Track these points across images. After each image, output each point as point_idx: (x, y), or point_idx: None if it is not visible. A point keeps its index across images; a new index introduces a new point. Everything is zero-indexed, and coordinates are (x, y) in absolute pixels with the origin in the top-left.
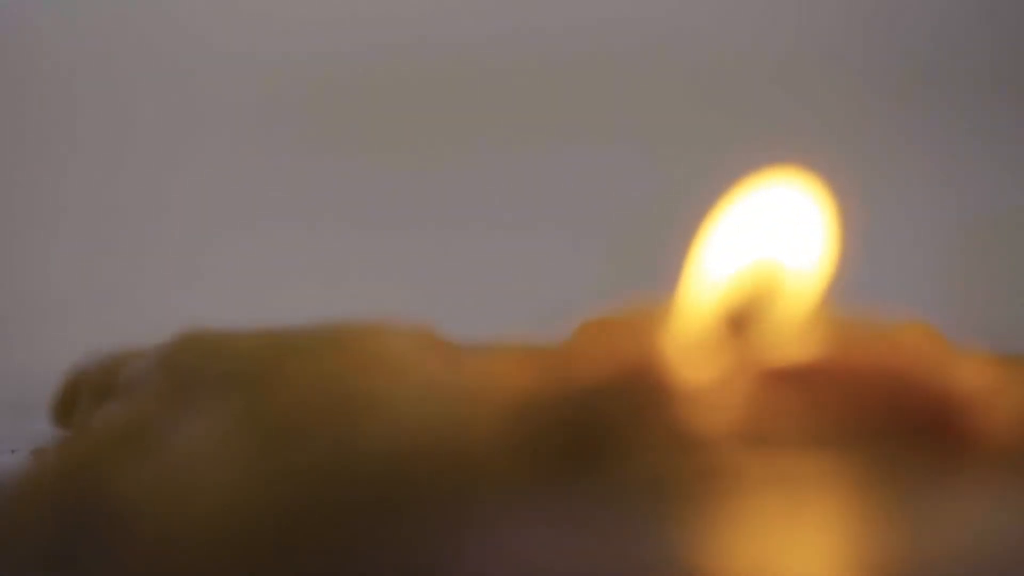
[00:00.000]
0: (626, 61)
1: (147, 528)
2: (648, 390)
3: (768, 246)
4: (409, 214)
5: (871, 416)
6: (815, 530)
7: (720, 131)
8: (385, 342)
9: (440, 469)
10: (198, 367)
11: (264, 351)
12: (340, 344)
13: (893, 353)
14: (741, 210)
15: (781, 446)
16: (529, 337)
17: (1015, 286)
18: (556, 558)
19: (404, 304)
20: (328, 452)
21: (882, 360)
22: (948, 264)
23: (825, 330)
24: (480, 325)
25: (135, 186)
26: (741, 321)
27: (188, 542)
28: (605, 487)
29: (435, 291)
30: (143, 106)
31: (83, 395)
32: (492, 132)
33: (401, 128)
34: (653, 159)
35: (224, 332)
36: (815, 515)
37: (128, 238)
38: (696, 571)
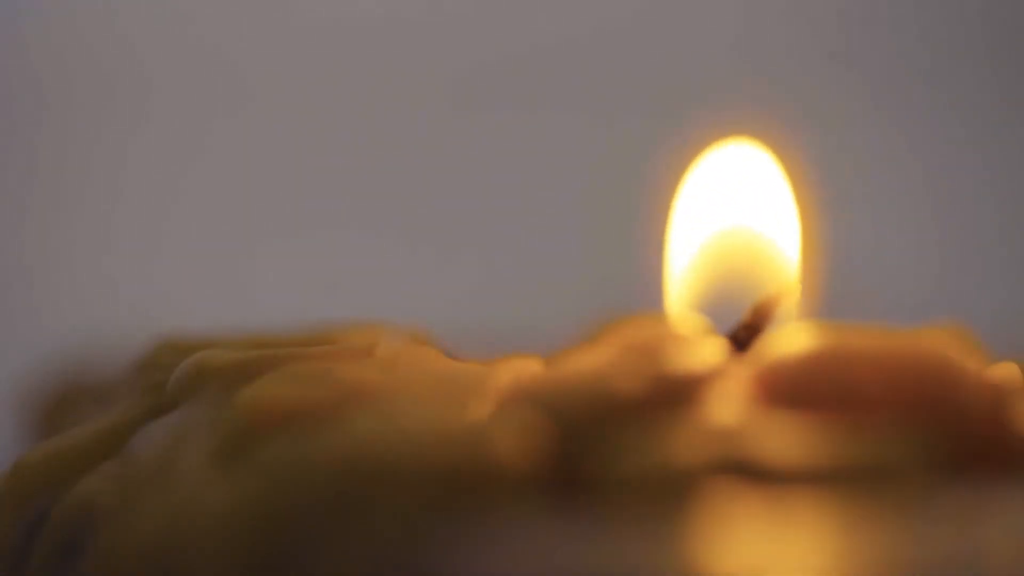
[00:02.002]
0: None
1: (122, 536)
2: (654, 379)
3: (741, 215)
4: (402, 214)
5: (896, 410)
6: (825, 534)
7: (687, 102)
8: (376, 337)
9: (437, 463)
10: (175, 373)
11: (246, 354)
12: (329, 341)
13: (923, 347)
14: (709, 180)
15: (789, 441)
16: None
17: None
18: (558, 560)
19: (398, 307)
20: (315, 450)
21: (911, 353)
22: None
23: (838, 329)
24: (478, 328)
25: (136, 188)
26: (748, 328)
27: (166, 549)
28: (611, 483)
29: (430, 296)
30: (153, 108)
31: (62, 402)
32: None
33: (398, 127)
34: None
35: (203, 338)
36: (826, 517)
37: (129, 238)
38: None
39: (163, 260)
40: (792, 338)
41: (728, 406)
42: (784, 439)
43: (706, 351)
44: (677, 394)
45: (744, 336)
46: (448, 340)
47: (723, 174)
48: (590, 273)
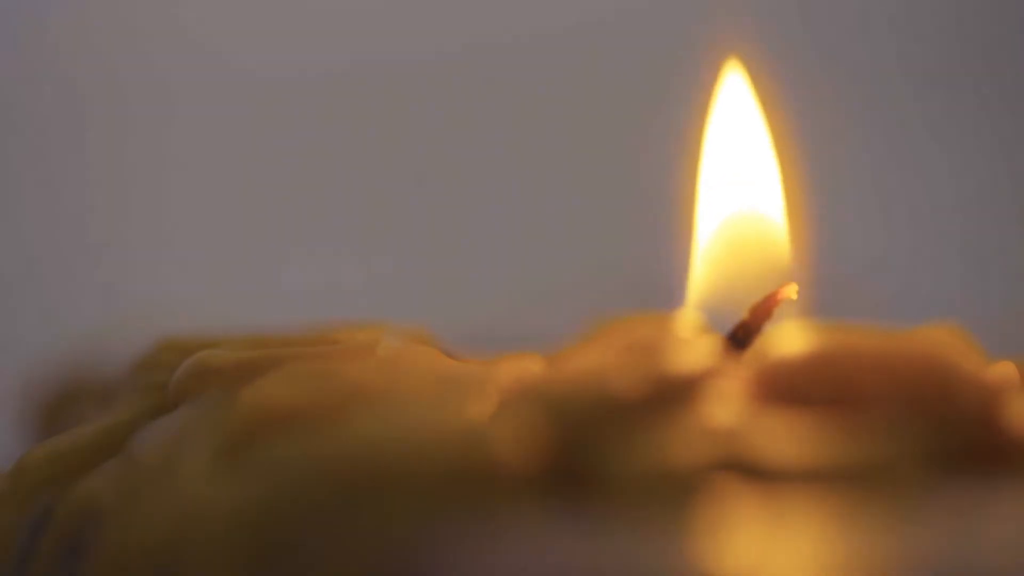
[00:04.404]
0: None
1: (124, 535)
2: (654, 379)
3: (740, 211)
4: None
5: (893, 409)
6: (823, 533)
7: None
8: (377, 337)
9: (438, 463)
10: (176, 373)
11: (247, 354)
12: (329, 341)
13: (921, 347)
14: (708, 178)
15: (787, 440)
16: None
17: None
18: (557, 560)
19: (398, 307)
20: (316, 450)
21: (909, 352)
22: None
23: (837, 329)
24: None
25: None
26: (746, 328)
27: (168, 549)
28: (611, 482)
29: (428, 293)
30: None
31: (64, 401)
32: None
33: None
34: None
35: (204, 338)
36: (824, 516)
37: (131, 239)
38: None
39: (164, 260)
40: (790, 337)
41: (727, 405)
42: (782, 438)
43: (705, 350)
44: (676, 394)
45: (743, 335)
46: (448, 340)
47: (722, 172)
48: (590, 273)
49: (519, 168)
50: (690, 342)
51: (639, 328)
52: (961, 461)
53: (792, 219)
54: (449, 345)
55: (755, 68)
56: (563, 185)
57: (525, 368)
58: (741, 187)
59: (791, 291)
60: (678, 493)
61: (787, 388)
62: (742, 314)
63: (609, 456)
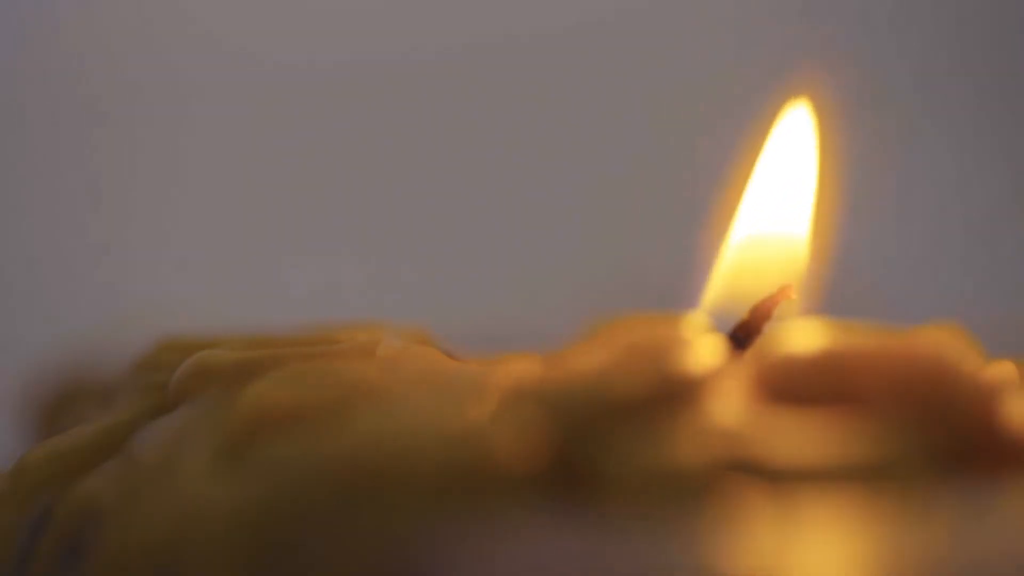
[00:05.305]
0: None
1: (125, 535)
2: (655, 379)
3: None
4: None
5: (893, 409)
6: (826, 532)
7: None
8: (377, 337)
9: (438, 463)
10: (176, 373)
11: (247, 354)
12: (330, 340)
13: (921, 347)
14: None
15: (788, 440)
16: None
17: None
18: (558, 560)
19: (399, 307)
20: (315, 449)
21: (909, 352)
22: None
23: (838, 329)
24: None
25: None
26: (747, 328)
27: (169, 549)
28: (612, 482)
29: (429, 291)
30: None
31: (64, 401)
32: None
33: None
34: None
35: (204, 338)
36: (827, 516)
37: (131, 239)
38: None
39: (164, 260)
40: (791, 337)
41: (728, 405)
42: (783, 438)
43: (706, 350)
44: (677, 393)
45: (743, 335)
46: (448, 340)
47: (734, 174)
48: (590, 273)
49: (519, 168)
50: (691, 342)
51: (640, 328)
52: (961, 461)
53: (816, 235)
54: (449, 345)
55: (755, 71)
56: (563, 185)
57: (525, 368)
58: (767, 201)
59: (791, 291)
60: (679, 493)
61: (787, 388)
62: (742, 314)
63: (610, 456)
